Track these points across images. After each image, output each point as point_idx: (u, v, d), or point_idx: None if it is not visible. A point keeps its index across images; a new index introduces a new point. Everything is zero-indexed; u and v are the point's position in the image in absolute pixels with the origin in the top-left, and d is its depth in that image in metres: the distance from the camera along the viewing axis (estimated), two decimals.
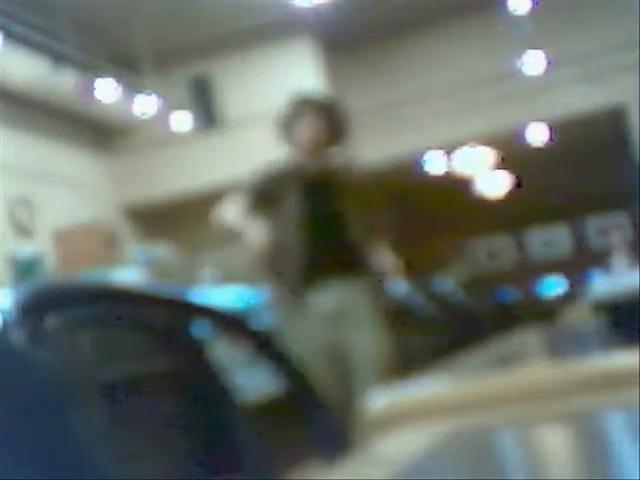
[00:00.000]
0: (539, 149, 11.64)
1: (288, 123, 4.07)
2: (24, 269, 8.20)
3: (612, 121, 10.95)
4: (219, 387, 1.40)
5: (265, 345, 1.50)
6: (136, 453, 1.25)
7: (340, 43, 10.47)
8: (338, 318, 3.85)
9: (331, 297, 3.87)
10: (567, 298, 10.45)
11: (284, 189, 3.99)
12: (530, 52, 9.98)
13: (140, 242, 9.96)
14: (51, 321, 1.15)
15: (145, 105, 9.07)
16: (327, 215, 3.99)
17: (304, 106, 4.07)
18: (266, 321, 4.01)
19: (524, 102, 10.46)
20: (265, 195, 4.02)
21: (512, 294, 12.09)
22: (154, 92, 9.01)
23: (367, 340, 3.85)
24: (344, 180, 4.07)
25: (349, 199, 4.00)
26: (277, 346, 1.50)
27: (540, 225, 14.00)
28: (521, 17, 9.31)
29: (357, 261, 3.94)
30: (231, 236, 4.18)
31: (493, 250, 14.27)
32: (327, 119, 4.06)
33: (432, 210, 12.97)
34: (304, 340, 3.68)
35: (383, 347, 3.88)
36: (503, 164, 13.05)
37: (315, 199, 4.00)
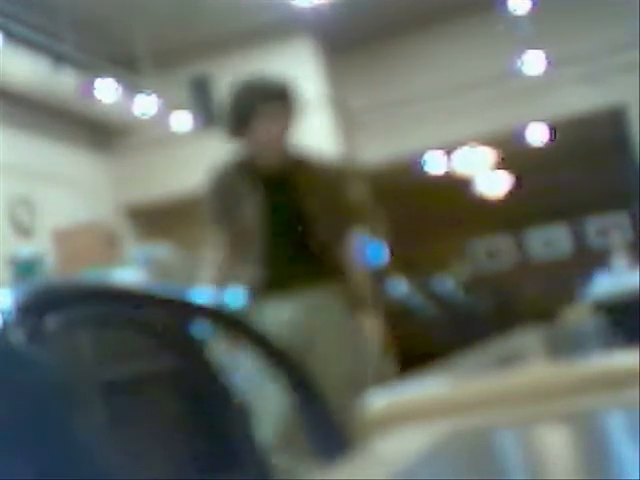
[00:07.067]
0: (539, 149, 11.64)
1: (244, 115, 3.58)
2: (24, 269, 8.19)
3: (612, 121, 10.95)
4: (219, 387, 1.40)
5: (265, 345, 1.50)
6: (136, 453, 1.25)
7: (340, 43, 10.46)
8: (302, 329, 3.45)
9: (295, 306, 3.49)
10: (567, 298, 10.43)
11: (241, 190, 3.61)
12: (530, 52, 9.98)
13: (140, 242, 9.95)
14: (51, 321, 1.15)
15: (145, 105, 9.07)
16: (289, 216, 3.57)
17: (264, 98, 3.55)
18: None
19: (524, 102, 10.45)
20: (225, 201, 3.64)
21: (512, 294, 12.06)
22: (154, 92, 9.01)
23: (333, 356, 3.44)
24: (306, 175, 3.60)
25: (313, 196, 3.56)
26: (277, 346, 1.50)
27: (540, 225, 13.99)
28: (521, 17, 9.30)
29: (324, 266, 3.55)
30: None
31: (493, 250, 14.25)
32: (288, 108, 3.58)
33: (432, 210, 12.97)
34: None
35: (349, 361, 3.50)
36: (503, 164, 13.06)
37: (275, 198, 3.57)
